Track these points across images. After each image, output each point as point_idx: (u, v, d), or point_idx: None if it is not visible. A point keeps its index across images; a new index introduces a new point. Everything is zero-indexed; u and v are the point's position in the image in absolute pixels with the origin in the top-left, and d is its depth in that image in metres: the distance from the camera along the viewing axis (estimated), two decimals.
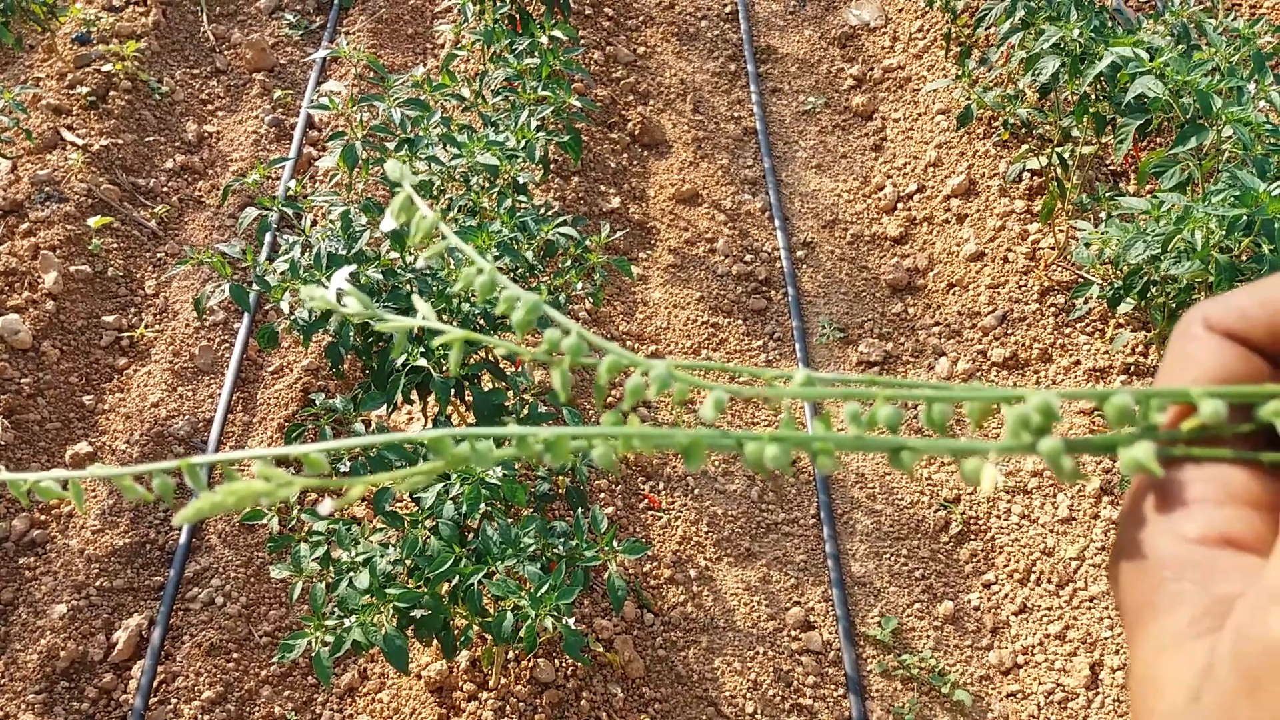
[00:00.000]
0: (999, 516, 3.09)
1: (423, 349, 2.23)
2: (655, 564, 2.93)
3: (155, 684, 2.61)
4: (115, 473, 0.50)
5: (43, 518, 2.93)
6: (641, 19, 4.82)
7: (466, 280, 0.52)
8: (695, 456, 0.42)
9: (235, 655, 2.67)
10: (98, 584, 2.78)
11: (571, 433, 0.43)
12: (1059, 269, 3.61)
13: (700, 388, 0.44)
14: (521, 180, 2.82)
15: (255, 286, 2.35)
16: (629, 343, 3.55)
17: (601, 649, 2.68)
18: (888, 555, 3.03)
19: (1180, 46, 2.83)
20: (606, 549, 2.21)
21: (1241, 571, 0.35)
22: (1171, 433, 0.39)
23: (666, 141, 4.26)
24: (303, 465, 0.46)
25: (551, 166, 3.89)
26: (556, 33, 3.15)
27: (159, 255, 3.65)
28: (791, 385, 0.43)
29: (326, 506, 0.46)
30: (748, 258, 3.85)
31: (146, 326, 3.43)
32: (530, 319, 0.48)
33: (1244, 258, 2.21)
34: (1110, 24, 3.18)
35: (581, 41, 4.43)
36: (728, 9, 4.91)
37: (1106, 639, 2.79)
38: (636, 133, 4.24)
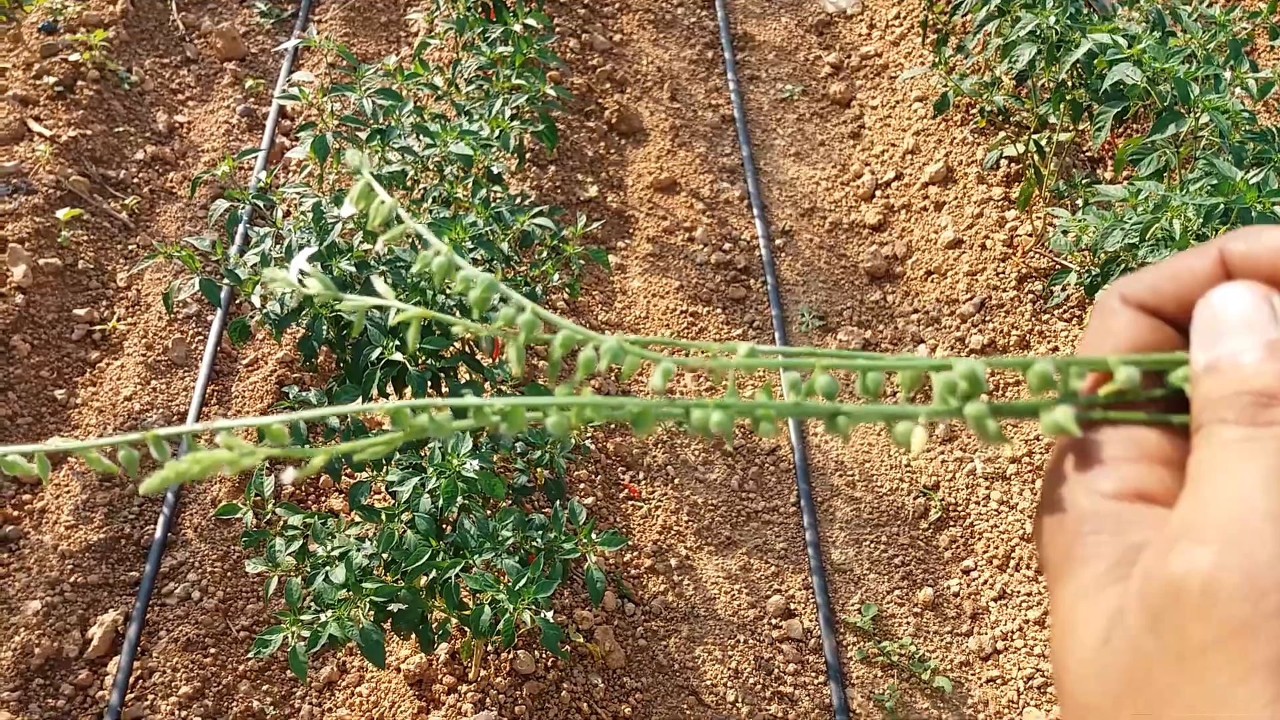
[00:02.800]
0: (978, 503, 3.10)
1: (397, 342, 2.21)
2: (636, 554, 2.93)
3: (132, 680, 2.59)
4: (81, 445, 0.51)
5: (15, 514, 2.89)
6: (617, 6, 4.79)
7: (424, 262, 0.53)
8: (644, 423, 0.44)
9: (213, 650, 2.65)
10: (72, 580, 2.75)
11: (526, 403, 0.45)
12: (1037, 256, 3.62)
13: (649, 360, 0.45)
14: (496, 170, 2.80)
15: (227, 280, 2.32)
16: (608, 332, 3.53)
17: (582, 640, 2.67)
18: (868, 542, 3.03)
19: (1156, 33, 2.83)
20: (585, 541, 2.20)
21: (1152, 523, 0.38)
22: (1090, 398, 0.42)
23: (644, 130, 4.24)
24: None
25: (528, 155, 3.86)
26: (530, 20, 3.12)
27: (130, 247, 3.61)
28: (735, 358, 0.45)
29: (289, 475, 0.47)
30: (726, 246, 3.84)
31: (119, 319, 3.38)
32: (486, 297, 0.49)
33: None
34: (1086, 11, 3.18)
35: (557, 29, 4.40)
36: None
37: None
38: (614, 121, 4.22)
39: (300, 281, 0.57)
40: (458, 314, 2.43)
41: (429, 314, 0.50)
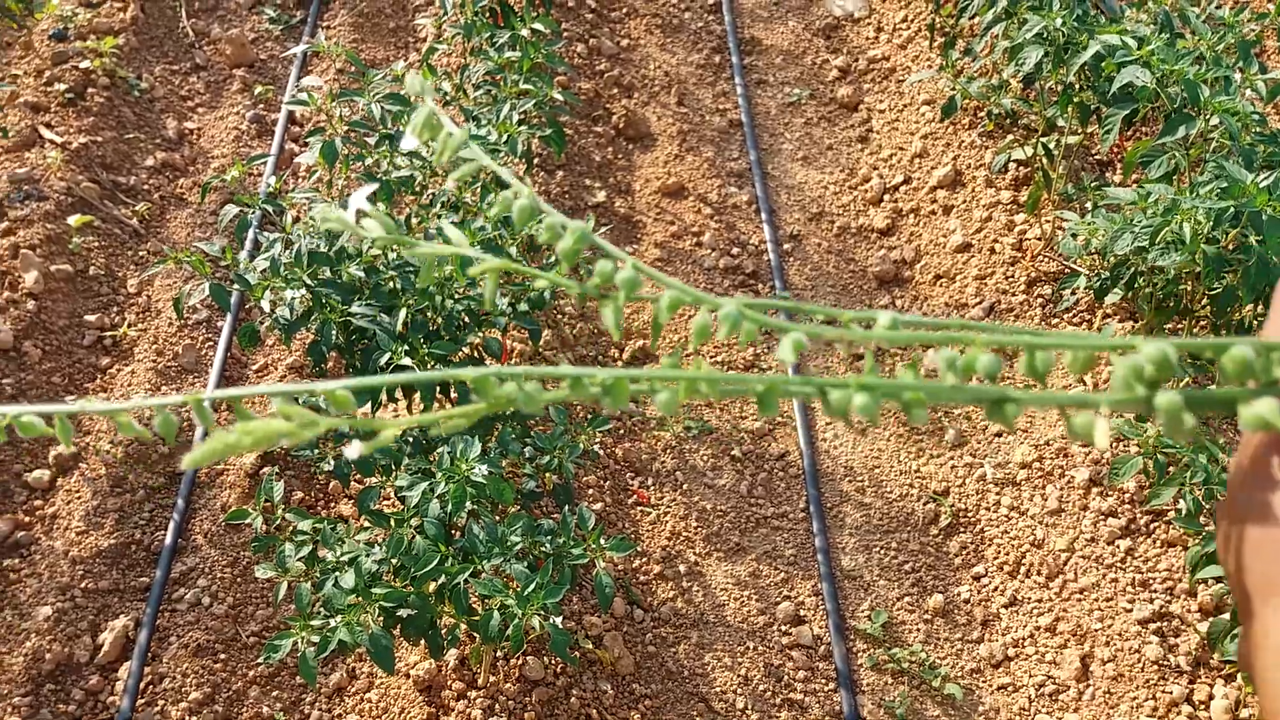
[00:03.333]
0: (988, 509, 3.08)
1: (407, 347, 2.21)
2: (645, 560, 2.92)
3: (142, 685, 2.59)
4: (114, 408, 0.47)
5: (26, 519, 2.90)
6: (625, 11, 4.80)
7: (504, 205, 0.49)
8: (770, 404, 0.38)
9: (222, 656, 2.65)
10: (83, 585, 2.76)
11: (633, 374, 0.40)
12: (1046, 259, 3.60)
13: (774, 329, 0.40)
14: (503, 175, 2.80)
15: (237, 285, 2.33)
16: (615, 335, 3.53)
17: (591, 646, 2.66)
18: (877, 548, 3.02)
19: (1164, 35, 2.83)
20: (594, 546, 2.20)
21: None
22: None
23: (652, 134, 4.24)
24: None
25: (535, 160, 3.86)
26: (538, 25, 3.13)
27: (141, 253, 3.62)
28: (876, 329, 0.38)
29: (356, 449, 0.43)
30: (735, 250, 3.83)
31: (129, 325, 3.40)
32: (578, 248, 0.45)
33: (1231, 248, 2.20)
34: (1093, 12, 3.17)
35: (564, 34, 4.41)
36: (711, 1, 4.88)
37: (1096, 631, 2.79)
38: (621, 126, 4.22)
39: (358, 221, 0.52)
40: (466, 319, 2.43)
41: (509, 265, 0.47)
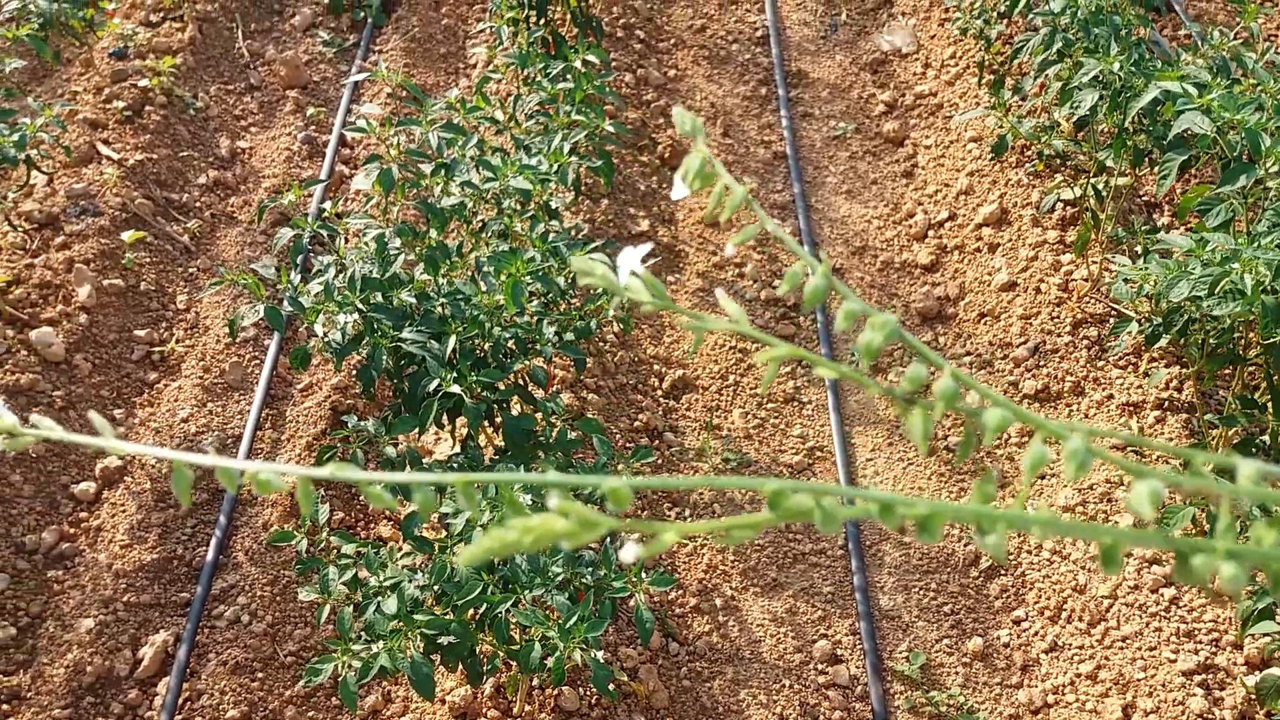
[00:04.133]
0: (1029, 552, 3.05)
1: (455, 374, 2.23)
2: (681, 593, 2.91)
3: (180, 701, 2.61)
4: (221, 463, 0.46)
5: (72, 531, 2.94)
6: (673, 42, 4.83)
7: (792, 280, 0.45)
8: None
9: (260, 674, 2.67)
10: (125, 599, 2.78)
11: (953, 511, 0.37)
12: (1092, 301, 3.57)
13: (1130, 472, 0.38)
14: (553, 204, 2.82)
15: (288, 306, 2.36)
16: (657, 366, 3.54)
17: (626, 678, 2.65)
18: (916, 589, 2.99)
19: (1221, 80, 2.80)
20: (634, 580, 2.19)
21: None
22: None
23: None
24: (351, 487, 0.44)
25: (581, 189, 3.89)
26: (590, 57, 3.15)
27: (191, 270, 3.67)
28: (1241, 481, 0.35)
29: (631, 551, 0.40)
30: (776, 283, 3.83)
31: (177, 341, 3.44)
32: (883, 345, 0.43)
33: None
34: (1149, 56, 3.16)
35: (613, 64, 4.44)
36: (759, 33, 4.91)
37: (1139, 680, 2.74)
38: (666, 155, 4.24)
39: (627, 286, 0.49)
40: (512, 346, 2.44)
41: (797, 352, 0.44)
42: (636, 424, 3.30)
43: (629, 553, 0.38)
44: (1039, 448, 0.35)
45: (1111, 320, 3.48)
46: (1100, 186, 3.40)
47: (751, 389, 3.53)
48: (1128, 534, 0.34)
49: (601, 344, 3.47)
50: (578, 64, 3.15)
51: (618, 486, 0.38)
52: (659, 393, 3.48)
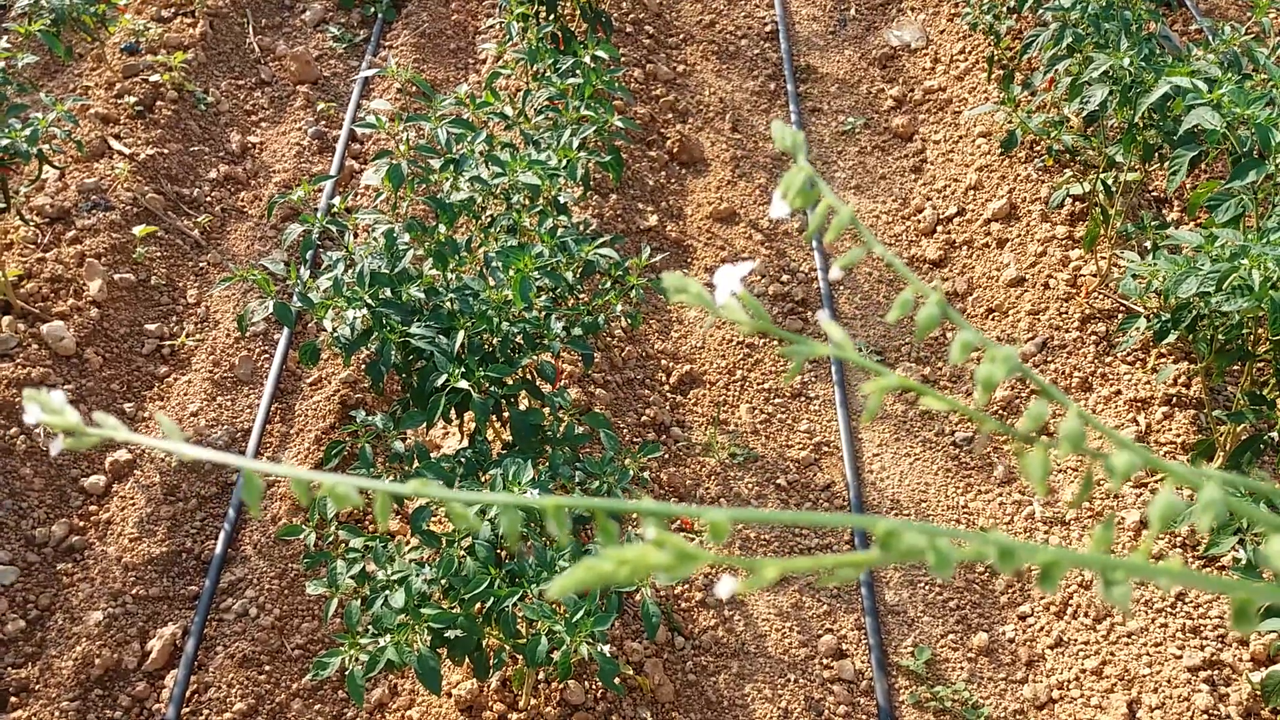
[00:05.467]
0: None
1: (463, 370, 2.23)
2: (687, 587, 2.92)
3: (188, 694, 2.63)
4: (292, 472, 0.45)
5: (81, 524, 2.96)
6: (682, 37, 4.83)
7: (903, 307, 0.46)
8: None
9: (267, 668, 2.68)
10: (134, 592, 2.80)
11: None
12: (1100, 297, 3.56)
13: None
14: (562, 199, 2.83)
15: (297, 302, 2.37)
16: (664, 360, 3.54)
17: (632, 672, 2.66)
18: (922, 584, 2.99)
19: (1232, 75, 2.79)
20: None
21: None
22: None
23: (705, 160, 4.26)
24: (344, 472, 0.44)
25: (590, 184, 3.89)
26: (599, 52, 3.16)
27: (201, 264, 3.69)
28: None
29: (727, 587, 0.41)
30: (784, 278, 3.83)
31: (188, 335, 3.46)
32: (1001, 379, 0.42)
33: None
34: (1159, 51, 3.15)
35: (622, 59, 4.44)
36: (768, 28, 4.90)
37: (1144, 676, 2.74)
38: (675, 150, 4.24)
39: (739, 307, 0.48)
40: (520, 340, 2.45)
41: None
42: (644, 419, 3.30)
43: (724, 588, 0.38)
44: (1168, 497, 0.35)
45: (1120, 316, 3.47)
46: (1110, 182, 3.39)
47: (759, 384, 3.53)
48: (1243, 585, 0.34)
49: (609, 339, 3.47)
50: (587, 59, 3.15)
51: (719, 520, 0.37)
52: (666, 388, 3.49)
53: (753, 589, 0.35)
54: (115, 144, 3.87)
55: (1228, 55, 3.01)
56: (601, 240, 2.65)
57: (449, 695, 2.58)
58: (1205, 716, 2.65)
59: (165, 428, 0.46)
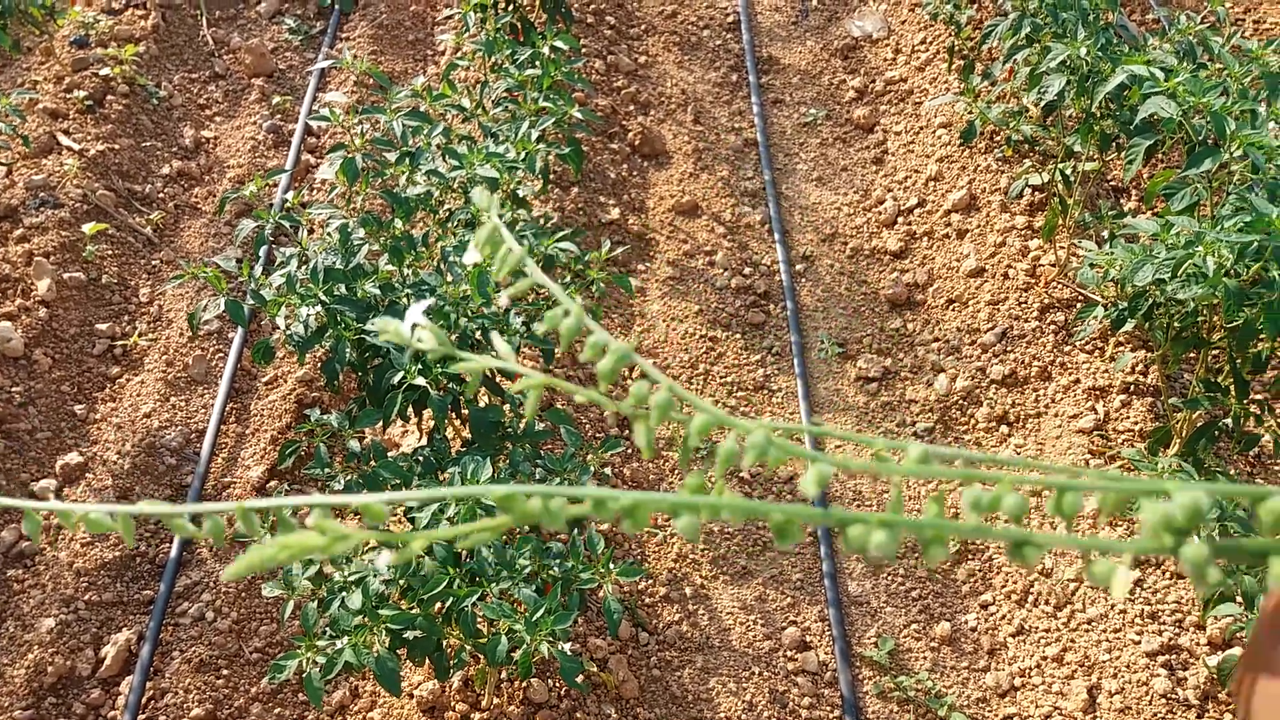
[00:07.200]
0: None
1: (420, 366, 2.20)
2: (651, 582, 2.90)
3: (144, 700, 2.58)
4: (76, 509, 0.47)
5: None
6: (643, 28, 4.80)
7: (552, 322, 0.50)
8: (790, 535, 0.38)
9: (225, 672, 2.64)
10: (87, 598, 2.75)
11: (656, 500, 0.39)
12: (1059, 286, 3.58)
13: (798, 457, 0.40)
14: (521, 193, 2.79)
15: (251, 299, 2.32)
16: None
17: (595, 668, 2.65)
18: (885, 575, 3.00)
19: (1188, 64, 2.81)
20: (603, 571, 2.18)
21: None
22: None
23: (667, 152, 4.24)
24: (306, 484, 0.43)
25: (551, 177, 3.86)
26: (558, 43, 3.12)
27: (154, 262, 3.62)
28: (905, 462, 0.38)
29: (386, 559, 0.44)
30: (747, 270, 3.82)
31: (140, 335, 3.39)
32: (619, 367, 0.45)
33: (1252, 282, 2.18)
34: (1116, 41, 3.16)
35: (583, 50, 4.41)
36: (730, 19, 4.88)
37: (1104, 662, 2.76)
38: (637, 143, 4.21)
39: (413, 334, 0.53)
40: (479, 336, 2.42)
41: (553, 381, 0.47)
42: (606, 414, 3.28)
43: (383, 560, 0.42)
44: (729, 444, 0.37)
45: (1079, 305, 3.50)
46: (1068, 172, 3.41)
47: (722, 377, 3.52)
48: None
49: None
50: (545, 50, 3.12)
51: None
52: (629, 382, 3.47)
53: (407, 559, 0.37)
54: (64, 139, 3.79)
55: (1183, 44, 3.03)
56: (561, 234, 2.62)
57: (410, 696, 2.56)
58: (1164, 700, 2.68)
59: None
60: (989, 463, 0.36)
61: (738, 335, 3.63)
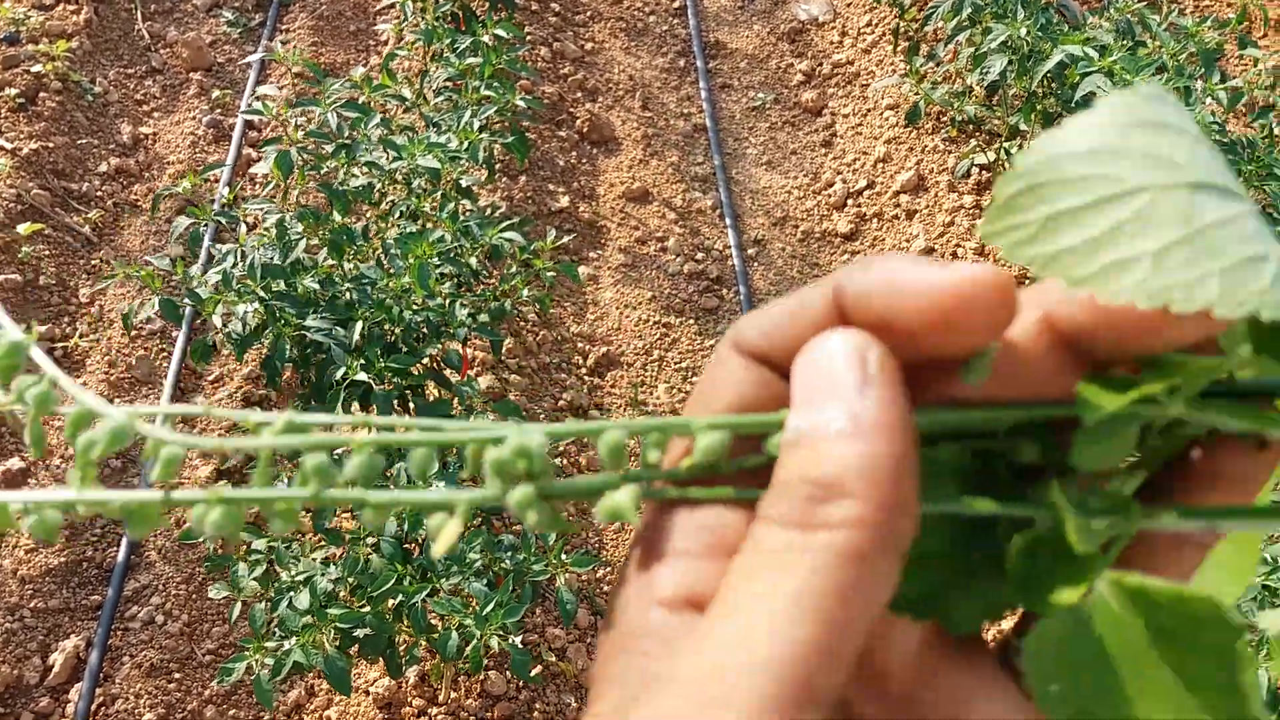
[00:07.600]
0: None
1: (363, 361, 2.17)
2: (609, 569, 2.90)
3: (94, 707, 2.53)
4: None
5: None
6: (589, 14, 4.77)
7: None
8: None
9: (177, 675, 2.60)
10: (32, 605, 2.69)
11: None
12: (1008, 264, 3.61)
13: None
14: (465, 183, 2.76)
15: (189, 300, 2.28)
16: (580, 343, 3.50)
17: (554, 658, 2.64)
18: None
19: (1126, 42, 2.84)
20: (555, 562, 2.17)
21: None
22: (673, 471, 0.35)
23: (616, 139, 4.21)
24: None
25: (498, 166, 3.83)
26: (499, 30, 3.09)
27: (93, 262, 3.54)
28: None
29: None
30: (699, 256, 3.81)
31: (81, 336, 3.32)
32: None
33: None
34: (1057, 20, 3.18)
35: (528, 38, 4.37)
36: (676, 4, 4.86)
37: None
38: (585, 130, 4.19)
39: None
40: (425, 330, 2.39)
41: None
42: (560, 403, 3.27)
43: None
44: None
45: (1027, 282, 3.53)
46: (1014, 150, 3.43)
47: (676, 363, 3.52)
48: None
49: (522, 324, 3.43)
50: (486, 38, 3.08)
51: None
52: (584, 370, 3.46)
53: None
54: None
55: (1122, 22, 3.06)
56: (507, 224, 2.59)
57: (366, 693, 2.53)
58: None
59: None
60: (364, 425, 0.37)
61: (691, 321, 3.62)
